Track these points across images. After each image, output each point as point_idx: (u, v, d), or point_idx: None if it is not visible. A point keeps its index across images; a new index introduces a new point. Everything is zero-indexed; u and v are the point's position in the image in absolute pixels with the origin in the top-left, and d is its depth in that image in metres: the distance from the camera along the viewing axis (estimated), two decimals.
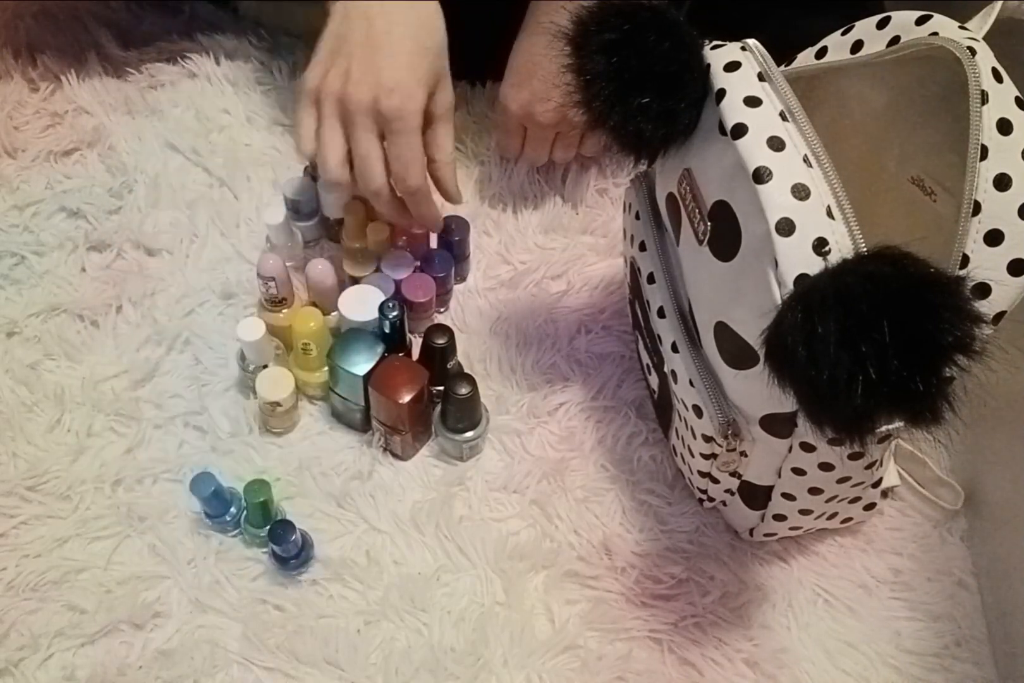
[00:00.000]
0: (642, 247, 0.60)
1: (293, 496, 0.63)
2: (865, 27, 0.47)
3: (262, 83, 0.82)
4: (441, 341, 0.62)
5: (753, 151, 0.42)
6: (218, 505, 0.59)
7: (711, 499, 0.62)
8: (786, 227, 0.41)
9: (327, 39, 0.60)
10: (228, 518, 0.59)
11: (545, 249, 0.76)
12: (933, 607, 0.63)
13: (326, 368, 0.63)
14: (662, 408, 0.63)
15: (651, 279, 0.58)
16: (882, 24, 0.46)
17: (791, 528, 0.60)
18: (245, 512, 0.60)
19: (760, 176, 0.42)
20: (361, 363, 0.60)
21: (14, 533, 0.61)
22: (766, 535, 0.62)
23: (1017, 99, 0.41)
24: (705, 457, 0.56)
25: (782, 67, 0.51)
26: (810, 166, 0.42)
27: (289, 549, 0.58)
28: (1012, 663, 0.60)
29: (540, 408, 0.68)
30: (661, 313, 0.57)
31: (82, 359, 0.68)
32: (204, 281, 0.71)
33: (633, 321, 0.69)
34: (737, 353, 0.48)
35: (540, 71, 0.68)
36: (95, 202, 0.74)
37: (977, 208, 0.41)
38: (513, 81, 0.70)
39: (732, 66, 0.45)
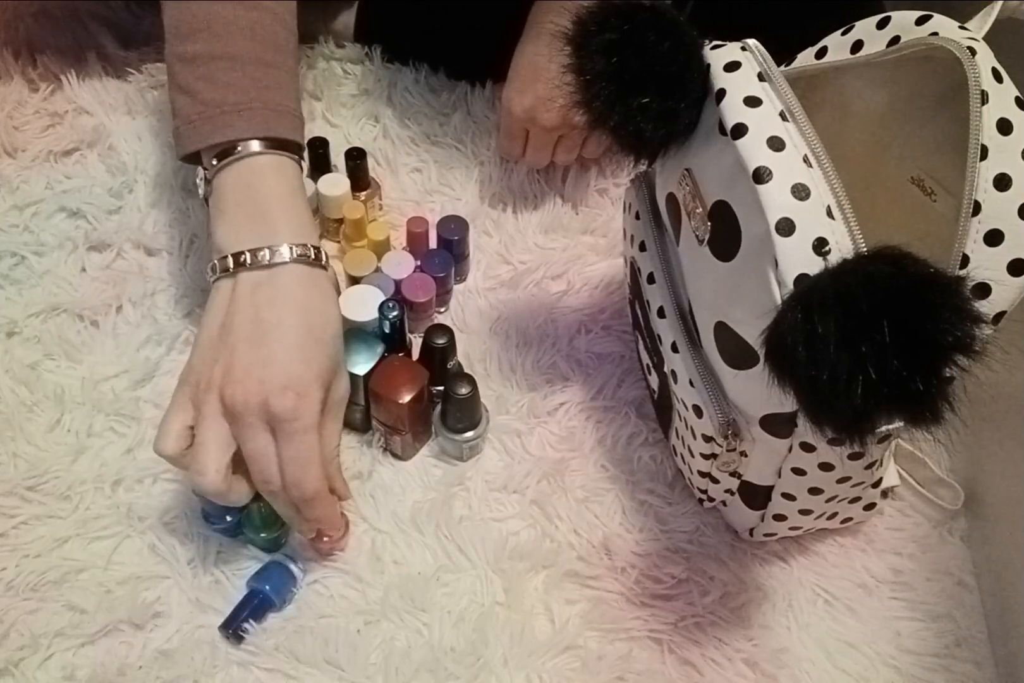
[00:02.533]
0: (642, 247, 0.60)
1: None
2: (865, 27, 0.47)
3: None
4: (441, 341, 0.62)
5: (753, 151, 0.42)
6: (219, 507, 0.59)
7: (711, 499, 0.62)
8: (786, 227, 0.41)
9: (209, 324, 0.54)
10: (229, 518, 0.59)
11: (545, 249, 0.76)
12: (933, 607, 0.63)
13: None
14: (662, 408, 0.63)
15: (651, 279, 0.58)
16: (882, 24, 0.46)
17: (791, 528, 0.60)
18: (247, 515, 0.59)
19: (760, 176, 0.42)
20: (361, 363, 0.60)
21: (14, 533, 0.61)
22: (766, 535, 0.62)
23: (1017, 99, 0.41)
24: (705, 457, 0.56)
25: (782, 67, 0.51)
26: (810, 166, 0.42)
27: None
28: (1012, 663, 0.60)
29: (540, 408, 0.68)
30: (661, 313, 0.57)
31: (82, 359, 0.68)
32: (204, 281, 0.71)
33: (633, 321, 0.69)
34: (737, 353, 0.48)
35: (543, 75, 0.68)
36: (95, 202, 0.74)
37: (977, 208, 0.41)
38: (516, 86, 0.70)
39: (732, 66, 0.45)
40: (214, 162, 0.56)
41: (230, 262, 0.54)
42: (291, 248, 0.54)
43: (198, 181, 0.58)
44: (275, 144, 0.56)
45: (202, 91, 0.57)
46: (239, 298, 0.53)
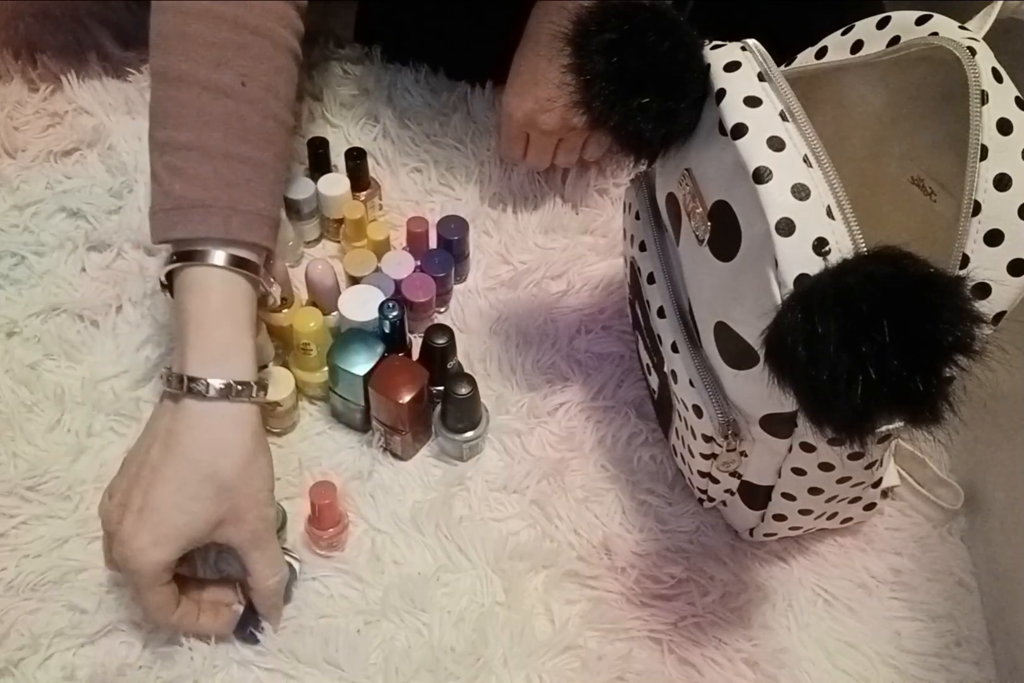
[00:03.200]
0: (642, 247, 0.60)
1: (293, 496, 0.63)
2: (865, 27, 0.47)
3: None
4: (441, 341, 0.62)
5: (753, 151, 0.42)
6: None
7: (711, 499, 0.62)
8: (786, 227, 0.41)
9: (141, 433, 0.55)
10: None
11: (545, 249, 0.76)
12: (933, 607, 0.63)
13: (326, 368, 0.63)
14: (662, 408, 0.63)
15: (651, 279, 0.58)
16: (882, 24, 0.46)
17: (791, 528, 0.60)
18: None
19: (760, 176, 0.42)
20: (361, 363, 0.60)
21: (14, 533, 0.61)
22: (766, 535, 0.62)
23: (1017, 99, 0.41)
24: (705, 457, 0.56)
25: (782, 67, 0.51)
26: (810, 166, 0.42)
27: None
28: (1012, 663, 0.60)
29: (540, 408, 0.68)
30: (661, 313, 0.57)
31: (82, 359, 0.68)
32: None
33: (633, 321, 0.69)
34: (737, 353, 0.48)
35: (543, 78, 0.68)
36: (95, 202, 0.74)
37: (977, 208, 0.41)
38: (516, 89, 0.70)
39: (732, 66, 0.45)
40: (173, 258, 0.54)
41: (163, 379, 0.54)
42: (192, 380, 0.52)
43: (160, 276, 0.56)
44: (231, 259, 0.54)
45: (167, 181, 0.55)
46: (151, 422, 0.55)
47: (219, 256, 0.54)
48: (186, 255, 0.54)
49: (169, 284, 0.56)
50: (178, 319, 0.54)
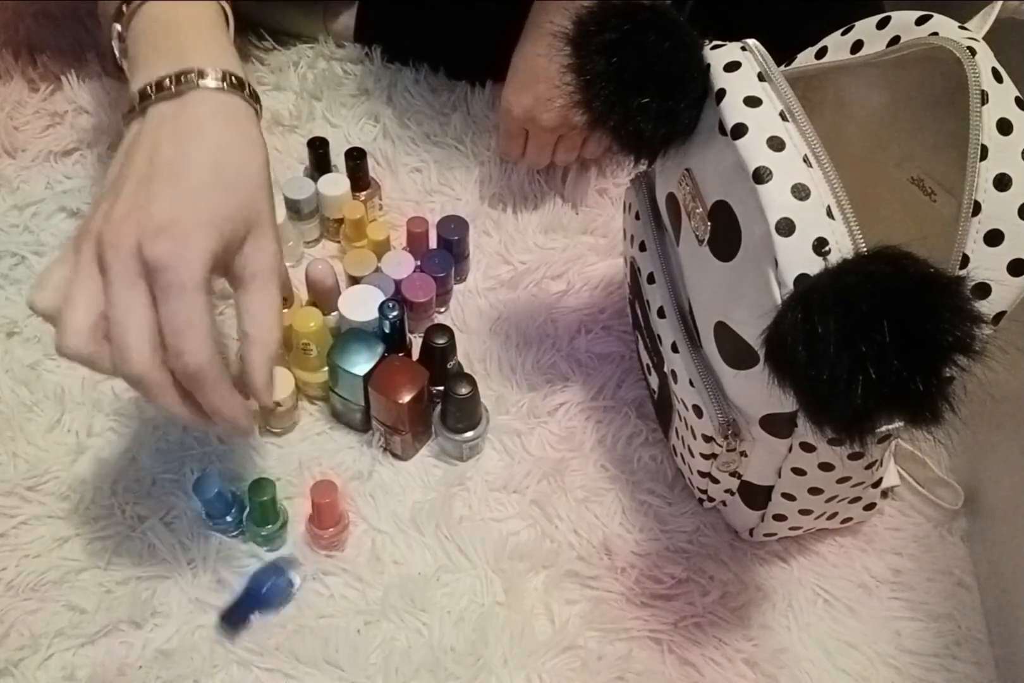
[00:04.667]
0: (642, 247, 0.60)
1: (293, 496, 0.63)
2: (865, 27, 0.47)
3: (261, 83, 0.82)
4: (441, 341, 0.62)
5: (753, 151, 0.42)
6: (220, 506, 0.59)
7: (711, 499, 0.62)
8: (786, 227, 0.41)
9: (110, 170, 0.46)
10: (229, 519, 0.59)
11: (545, 249, 0.76)
12: (933, 607, 0.63)
13: (326, 368, 0.63)
14: (662, 408, 0.63)
15: (651, 279, 0.58)
16: (882, 24, 0.46)
17: (791, 528, 0.60)
18: (248, 511, 0.60)
19: (760, 176, 0.42)
20: (361, 363, 0.60)
21: (14, 533, 0.61)
22: (766, 535, 0.62)
23: (1017, 99, 0.41)
24: (705, 457, 0.56)
25: (782, 67, 0.51)
26: (810, 166, 0.42)
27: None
28: (1012, 663, 0.60)
29: (540, 408, 0.68)
30: (661, 313, 0.57)
31: None
32: None
33: (633, 321, 0.69)
34: (737, 353, 0.48)
35: (542, 76, 0.68)
36: None
37: (977, 208, 0.41)
38: (515, 86, 0.70)
39: (732, 66, 0.45)
40: (124, 8, 0.49)
41: (136, 99, 0.47)
42: (201, 71, 0.46)
43: (113, 44, 0.51)
44: None
45: None
46: (142, 135, 0.46)
47: None
48: None
49: (122, 49, 0.51)
50: (161, 29, 0.49)
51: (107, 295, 0.43)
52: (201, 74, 0.46)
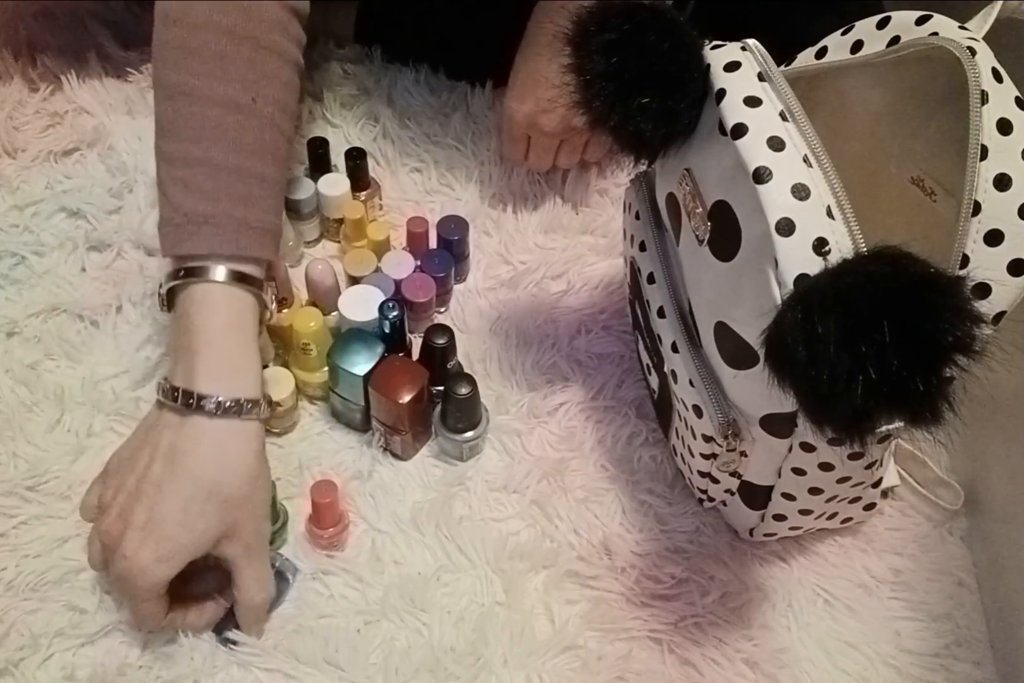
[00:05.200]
0: (642, 247, 0.60)
1: (293, 496, 0.63)
2: (865, 27, 0.47)
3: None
4: (441, 341, 0.62)
5: (753, 151, 0.42)
6: None
7: (711, 499, 0.62)
8: (786, 227, 0.41)
9: (128, 443, 0.55)
10: None
11: (545, 249, 0.76)
12: (933, 607, 0.63)
13: (326, 368, 0.63)
14: (662, 408, 0.63)
15: (651, 279, 0.58)
16: (882, 24, 0.46)
17: (791, 528, 0.60)
18: None
19: (760, 176, 0.42)
20: (361, 363, 0.60)
21: (14, 533, 0.61)
22: (766, 535, 0.62)
23: (1017, 99, 0.41)
24: (705, 457, 0.56)
25: (782, 67, 0.51)
26: (810, 166, 0.42)
27: None
28: (1012, 663, 0.60)
29: (540, 408, 0.68)
30: (661, 313, 0.57)
31: (82, 359, 0.68)
32: None
33: (633, 321, 0.69)
34: (737, 353, 0.48)
35: (544, 79, 0.68)
36: (95, 202, 0.74)
37: (977, 208, 0.41)
38: (518, 91, 0.70)
39: (732, 66, 0.45)
40: (180, 273, 0.54)
41: (159, 391, 0.54)
42: (202, 398, 0.52)
43: (159, 290, 0.56)
44: (237, 275, 0.54)
45: (176, 195, 0.55)
46: (150, 436, 0.54)
47: (227, 272, 0.54)
48: (193, 271, 0.54)
49: (169, 299, 0.56)
50: (184, 334, 0.54)
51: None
52: (199, 400, 0.52)
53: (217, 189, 0.55)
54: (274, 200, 0.58)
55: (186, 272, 0.54)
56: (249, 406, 0.53)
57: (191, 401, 0.52)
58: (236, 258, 0.54)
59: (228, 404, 0.52)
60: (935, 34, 0.43)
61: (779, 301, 0.41)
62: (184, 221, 0.54)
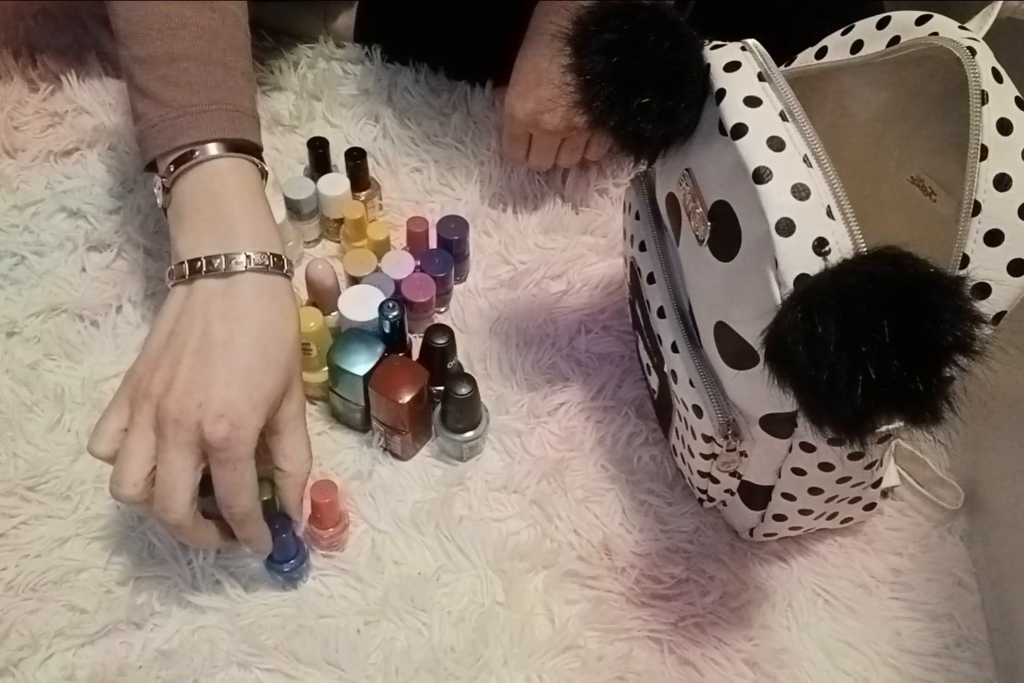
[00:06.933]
0: (642, 247, 0.60)
1: None
2: (865, 27, 0.47)
3: (262, 83, 0.82)
4: (441, 341, 0.62)
5: (753, 151, 0.42)
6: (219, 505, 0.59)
7: (711, 499, 0.62)
8: (786, 227, 0.41)
9: (158, 330, 0.52)
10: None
11: (545, 249, 0.76)
12: (933, 607, 0.63)
13: (326, 368, 0.63)
14: (662, 408, 0.63)
15: (651, 279, 0.58)
16: (882, 24, 0.46)
17: (791, 528, 0.60)
18: None
19: (760, 176, 0.42)
20: (361, 363, 0.60)
21: (14, 533, 0.61)
22: (766, 535, 0.62)
23: (1017, 99, 0.41)
24: (705, 457, 0.56)
25: (782, 67, 0.51)
26: (810, 166, 0.42)
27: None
28: (1012, 663, 0.60)
29: (540, 408, 0.68)
30: (661, 313, 0.57)
31: (82, 359, 0.68)
32: None
33: (633, 321, 0.69)
34: (737, 353, 0.48)
35: (545, 78, 0.68)
36: (95, 202, 0.74)
37: (977, 208, 0.41)
38: (519, 90, 0.70)
39: (732, 66, 0.45)
40: (171, 168, 0.54)
41: (186, 269, 0.52)
42: (249, 256, 0.51)
43: (156, 191, 0.56)
44: (234, 147, 0.54)
45: (163, 92, 0.54)
46: (192, 307, 0.51)
47: (228, 148, 0.54)
48: (192, 155, 0.53)
49: (166, 201, 0.55)
50: (201, 208, 0.53)
51: (160, 455, 0.49)
52: (248, 258, 0.51)
53: (205, 80, 0.55)
54: (252, 90, 0.58)
55: (185, 158, 0.53)
56: (283, 262, 0.53)
57: (235, 262, 0.51)
58: (234, 142, 0.54)
59: (273, 259, 0.52)
60: (935, 34, 0.43)
61: (779, 301, 0.41)
62: (178, 114, 0.54)
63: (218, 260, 0.51)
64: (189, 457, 0.49)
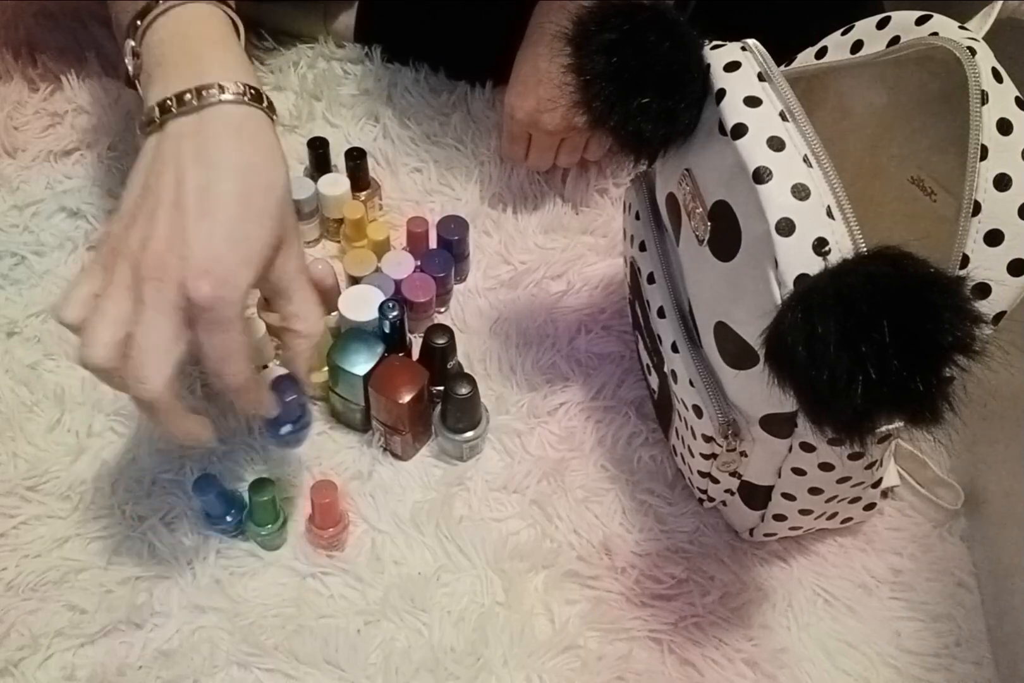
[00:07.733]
0: (642, 247, 0.60)
1: (293, 496, 0.63)
2: (865, 27, 0.47)
3: (262, 83, 0.82)
4: (441, 341, 0.62)
5: (753, 151, 0.42)
6: (220, 506, 0.59)
7: (711, 499, 0.62)
8: (786, 227, 0.41)
9: (131, 187, 0.47)
10: (229, 519, 0.59)
11: (545, 249, 0.76)
12: (933, 607, 0.63)
13: (326, 368, 0.63)
14: (662, 408, 0.63)
15: (651, 279, 0.58)
16: (882, 24, 0.46)
17: (791, 528, 0.60)
18: (248, 511, 0.60)
19: (760, 176, 0.42)
20: (361, 363, 0.60)
21: (14, 533, 0.61)
22: (766, 535, 0.62)
23: (1017, 99, 0.41)
24: (705, 457, 0.56)
25: (782, 67, 0.51)
26: (810, 166, 0.42)
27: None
28: (1012, 663, 0.60)
29: (540, 408, 0.68)
30: (661, 313, 0.57)
31: None
32: None
33: (633, 321, 0.69)
34: (737, 353, 0.48)
35: (545, 78, 0.68)
36: (95, 202, 0.74)
37: (977, 208, 0.41)
38: (518, 89, 0.70)
39: (732, 66, 0.45)
40: (138, 23, 0.49)
41: (156, 112, 0.46)
42: (222, 86, 0.46)
43: (127, 61, 0.51)
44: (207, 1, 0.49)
45: None
46: (162, 154, 0.46)
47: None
48: (153, 6, 0.49)
49: (136, 66, 0.51)
50: (173, 51, 0.49)
51: (138, 319, 0.44)
52: (221, 89, 0.46)
53: None
54: None
55: (150, 7, 0.49)
56: (262, 96, 0.48)
57: (207, 92, 0.46)
58: None
59: (250, 90, 0.47)
60: (935, 34, 0.43)
61: (779, 301, 0.41)
62: None
63: (188, 95, 0.46)
64: (171, 319, 0.44)
